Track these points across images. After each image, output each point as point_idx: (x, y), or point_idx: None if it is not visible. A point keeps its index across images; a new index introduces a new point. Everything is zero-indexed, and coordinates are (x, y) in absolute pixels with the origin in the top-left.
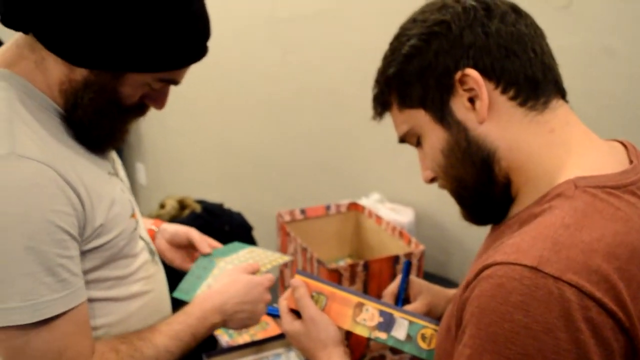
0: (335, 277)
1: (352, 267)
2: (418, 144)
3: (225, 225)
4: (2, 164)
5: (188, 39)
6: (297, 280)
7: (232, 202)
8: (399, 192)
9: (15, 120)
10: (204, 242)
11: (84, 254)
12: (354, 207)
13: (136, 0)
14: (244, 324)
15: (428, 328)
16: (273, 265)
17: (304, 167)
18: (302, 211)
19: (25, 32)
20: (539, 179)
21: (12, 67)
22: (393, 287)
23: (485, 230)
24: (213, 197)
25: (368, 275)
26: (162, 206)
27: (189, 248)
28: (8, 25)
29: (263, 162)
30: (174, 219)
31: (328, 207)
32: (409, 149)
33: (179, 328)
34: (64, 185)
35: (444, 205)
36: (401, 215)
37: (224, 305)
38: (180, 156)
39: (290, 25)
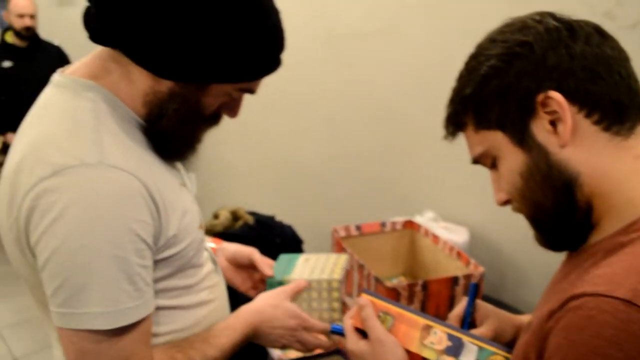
0: (393, 295)
1: (411, 287)
2: (493, 165)
3: (277, 238)
4: (92, 172)
5: (268, 50)
6: (364, 299)
7: (283, 215)
8: (452, 211)
9: (102, 130)
10: (265, 264)
11: (155, 263)
12: (409, 225)
13: (221, 15)
14: (278, 345)
15: (498, 355)
16: (341, 269)
17: (357, 182)
18: (358, 227)
19: (113, 47)
20: (623, 207)
21: (97, 79)
22: (459, 310)
23: (543, 253)
24: (264, 209)
25: (426, 295)
26: (216, 217)
27: (249, 269)
28: (96, 40)
29: (316, 175)
30: (226, 230)
31: (383, 224)
32: (464, 168)
33: (225, 341)
34: (147, 196)
35: (499, 226)
36: (455, 235)
37: (260, 325)
38: (232, 167)
39: (349, 42)
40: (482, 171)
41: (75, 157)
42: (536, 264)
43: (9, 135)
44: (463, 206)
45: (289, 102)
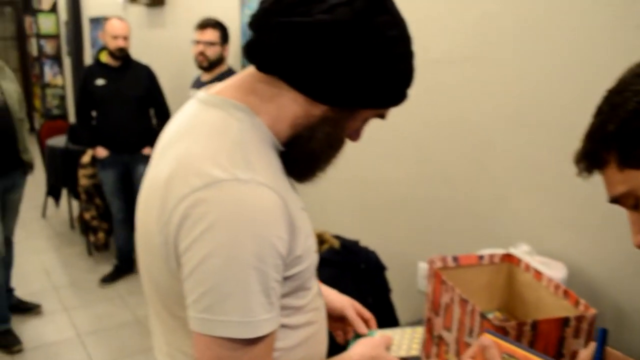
0: (500, 334)
1: (520, 326)
2: (635, 206)
3: (362, 264)
4: (244, 188)
5: (409, 75)
6: (487, 339)
7: (367, 240)
8: (549, 245)
9: (250, 149)
10: (360, 322)
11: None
12: (507, 258)
13: (377, 45)
14: None
15: None
16: (418, 343)
17: (445, 210)
18: (455, 259)
19: (271, 72)
20: None
21: (243, 101)
22: (586, 356)
23: None
24: (349, 234)
25: (535, 336)
26: None
27: (339, 321)
28: (252, 61)
29: (403, 202)
30: None
31: (481, 257)
32: (562, 200)
33: None
34: (287, 214)
35: (599, 263)
36: (552, 270)
37: None
38: (318, 190)
39: (443, 67)
40: (582, 204)
41: (228, 171)
42: (637, 303)
43: (99, 149)
44: (560, 240)
45: (378, 126)
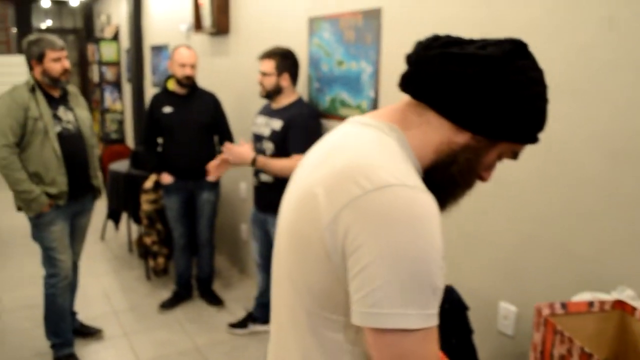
0: None
1: None
2: None
3: (446, 303)
4: (413, 193)
5: (544, 117)
6: None
7: (450, 278)
8: None
9: (408, 162)
10: None
11: None
12: (619, 305)
13: (525, 81)
14: None
15: None
16: None
17: (536, 249)
18: (563, 305)
19: (423, 100)
20: None
21: (397, 124)
22: None
23: None
24: None
25: None
26: None
27: None
28: (406, 90)
29: (490, 240)
30: None
31: (591, 304)
32: None
33: None
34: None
35: None
36: None
37: None
38: None
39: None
40: None
41: (396, 177)
42: None
43: (164, 176)
44: None
45: None
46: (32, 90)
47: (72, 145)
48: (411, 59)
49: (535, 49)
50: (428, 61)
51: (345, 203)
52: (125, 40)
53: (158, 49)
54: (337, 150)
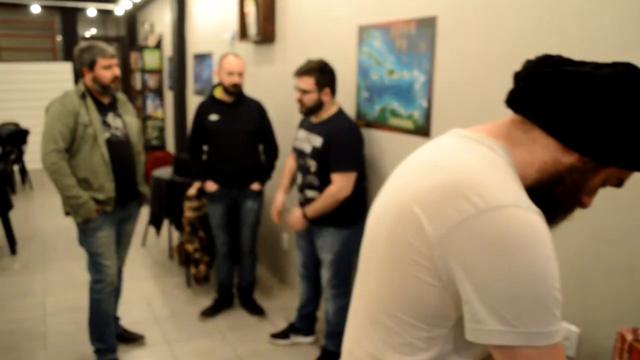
0: None
1: None
2: None
3: None
4: (528, 215)
5: None
6: None
7: None
8: None
9: (517, 181)
10: None
11: None
12: None
13: (633, 106)
14: None
15: None
16: None
17: (600, 268)
18: None
19: (531, 118)
20: None
21: (503, 140)
22: None
23: None
24: None
25: None
26: None
27: None
28: (513, 107)
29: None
30: None
31: None
32: None
33: None
34: None
35: None
36: None
37: None
38: None
39: None
40: None
41: (510, 197)
42: None
43: (209, 183)
44: None
45: None
46: (83, 96)
47: (120, 151)
48: (520, 76)
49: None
50: (540, 78)
51: (457, 221)
52: (168, 49)
53: (201, 57)
54: (442, 162)
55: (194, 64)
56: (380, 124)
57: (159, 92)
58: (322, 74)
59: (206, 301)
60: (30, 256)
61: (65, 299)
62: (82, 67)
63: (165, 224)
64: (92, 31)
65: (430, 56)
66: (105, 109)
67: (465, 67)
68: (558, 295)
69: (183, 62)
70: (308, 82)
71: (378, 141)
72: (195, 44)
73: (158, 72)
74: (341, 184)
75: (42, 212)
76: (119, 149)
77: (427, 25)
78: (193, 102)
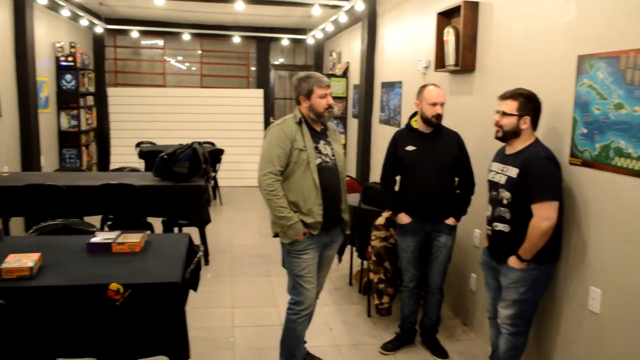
0: None
1: None
2: None
3: None
4: None
5: None
6: None
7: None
8: None
9: None
10: None
11: None
12: None
13: None
14: None
15: None
16: None
17: None
18: None
19: None
20: None
21: None
22: None
23: None
24: None
25: None
26: None
27: None
28: None
29: None
30: None
31: None
32: None
33: None
34: None
35: None
36: None
37: None
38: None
39: None
40: None
41: None
42: None
43: (402, 216)
44: None
45: None
46: (299, 123)
47: (328, 178)
48: None
49: None
50: None
51: None
52: (354, 77)
53: (389, 86)
54: None
55: (381, 92)
56: (600, 163)
57: (342, 119)
58: (527, 101)
59: (386, 334)
60: (221, 268)
61: (252, 313)
62: (300, 95)
63: (348, 250)
64: (280, 60)
65: None
66: (318, 136)
67: None
68: None
69: (370, 91)
70: (511, 106)
71: (595, 182)
72: (383, 73)
73: (343, 99)
74: (543, 214)
75: (231, 227)
76: (327, 175)
77: None
78: (378, 130)
